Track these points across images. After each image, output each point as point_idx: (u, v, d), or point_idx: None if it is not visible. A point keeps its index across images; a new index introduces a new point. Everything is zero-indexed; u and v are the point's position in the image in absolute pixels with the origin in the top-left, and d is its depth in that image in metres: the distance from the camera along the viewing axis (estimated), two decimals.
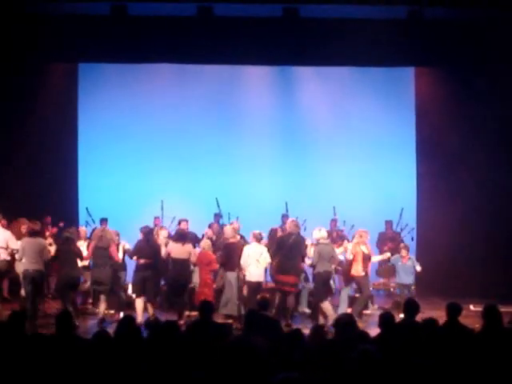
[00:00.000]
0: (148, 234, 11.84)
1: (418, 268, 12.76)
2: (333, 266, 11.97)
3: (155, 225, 14.57)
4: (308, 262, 12.26)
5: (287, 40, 13.52)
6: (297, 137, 16.30)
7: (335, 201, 15.01)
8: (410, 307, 7.83)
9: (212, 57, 13.89)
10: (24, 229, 12.33)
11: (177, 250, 11.82)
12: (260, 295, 8.99)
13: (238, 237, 12.73)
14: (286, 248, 11.85)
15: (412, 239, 14.56)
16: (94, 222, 14.48)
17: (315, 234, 11.98)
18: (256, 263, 11.83)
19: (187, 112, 16.25)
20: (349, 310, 12.05)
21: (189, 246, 12.00)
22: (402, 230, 14.84)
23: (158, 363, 6.10)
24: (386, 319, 7.33)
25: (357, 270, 12.14)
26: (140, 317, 11.33)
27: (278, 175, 16.14)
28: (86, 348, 6.54)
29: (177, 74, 15.99)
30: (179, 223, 13.60)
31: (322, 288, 11.86)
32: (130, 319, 7.30)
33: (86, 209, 14.56)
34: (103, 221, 14.39)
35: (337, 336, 6.85)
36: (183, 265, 11.80)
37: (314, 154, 16.16)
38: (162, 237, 12.75)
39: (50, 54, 13.70)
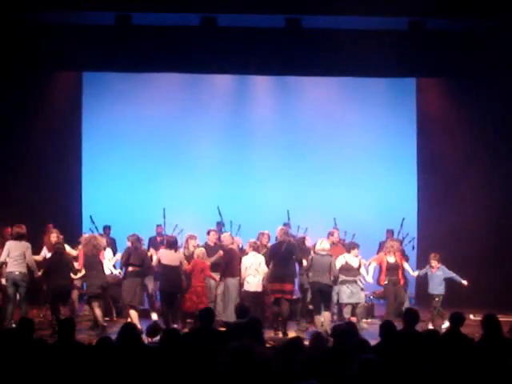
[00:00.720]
0: (136, 241, 11.79)
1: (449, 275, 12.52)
2: (331, 278, 11.92)
3: (157, 233, 14.62)
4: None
5: (290, 50, 13.58)
6: (299, 146, 16.36)
7: (337, 210, 15.05)
8: (410, 316, 7.88)
9: (215, 67, 13.95)
10: (54, 237, 12.40)
11: (168, 257, 11.80)
12: (238, 303, 9.04)
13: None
14: (278, 256, 11.87)
15: (413, 248, 14.60)
16: (97, 229, 14.52)
17: (316, 245, 12.08)
18: (255, 273, 11.92)
19: (190, 121, 16.34)
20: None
21: (180, 254, 11.99)
22: (403, 238, 14.86)
23: (159, 369, 6.16)
24: (386, 328, 7.38)
25: (380, 279, 12.48)
26: (138, 325, 11.32)
27: (280, 184, 16.19)
28: (89, 355, 6.59)
29: (180, 84, 16.08)
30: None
31: (314, 299, 11.99)
32: (130, 326, 7.36)
33: (90, 217, 14.60)
34: (106, 228, 14.51)
35: (337, 344, 6.91)
36: (174, 272, 11.75)
37: (315, 163, 16.21)
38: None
39: (55, 63, 13.77)
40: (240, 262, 12.12)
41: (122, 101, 16.16)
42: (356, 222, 14.76)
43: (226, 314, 11.76)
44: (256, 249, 12.16)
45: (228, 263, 12.10)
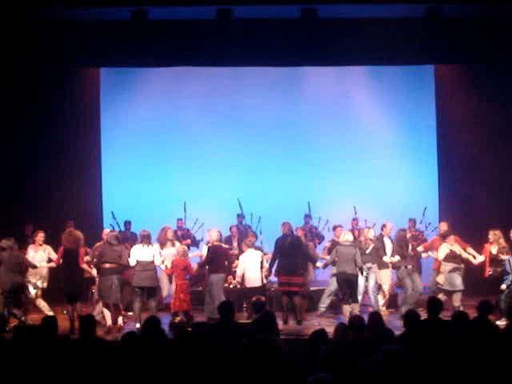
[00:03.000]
0: (111, 238, 11.67)
1: None
2: (356, 269, 11.97)
3: (178, 227, 14.64)
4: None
5: (306, 41, 13.49)
6: (319, 137, 16.29)
7: (357, 200, 15.01)
8: (434, 305, 7.84)
9: (232, 59, 13.92)
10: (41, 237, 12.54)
11: (141, 252, 11.72)
12: (256, 297, 9.04)
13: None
14: (284, 249, 11.97)
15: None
16: (118, 225, 14.59)
17: (340, 237, 12.34)
18: (254, 269, 12.01)
19: (208, 114, 16.33)
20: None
21: (153, 248, 11.88)
22: (426, 227, 14.80)
23: (184, 364, 6.16)
24: (411, 318, 7.34)
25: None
26: (108, 322, 11.27)
27: (300, 175, 16.16)
28: (114, 349, 6.62)
29: (197, 77, 16.02)
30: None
31: (341, 289, 12.05)
32: (154, 321, 7.37)
33: (112, 213, 14.67)
34: (127, 223, 14.56)
35: (364, 334, 6.89)
36: (148, 267, 11.66)
37: (335, 154, 16.16)
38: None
39: (72, 60, 13.76)
40: (226, 258, 12.17)
41: (139, 96, 16.19)
42: (377, 211, 14.69)
43: (210, 309, 11.68)
44: (252, 246, 12.25)
45: (212, 259, 12.01)
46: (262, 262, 12.22)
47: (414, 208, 14.74)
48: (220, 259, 12.01)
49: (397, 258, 12.53)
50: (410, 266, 12.51)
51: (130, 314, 12.14)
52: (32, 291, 12.11)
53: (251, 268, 12.11)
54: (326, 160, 16.21)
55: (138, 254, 11.69)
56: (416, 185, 15.84)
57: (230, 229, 14.35)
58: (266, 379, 5.49)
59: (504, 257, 12.01)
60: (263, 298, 9.28)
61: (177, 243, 12.71)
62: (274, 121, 16.29)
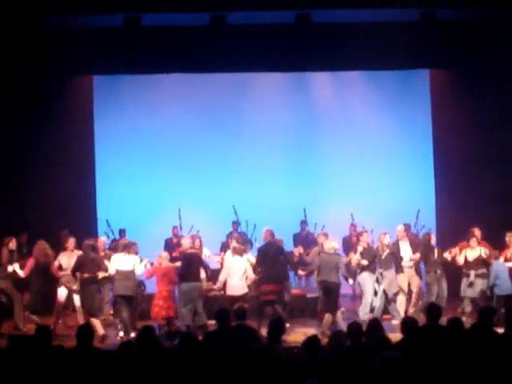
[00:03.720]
0: (88, 249, 11.54)
1: None
2: (340, 277, 11.94)
3: (173, 234, 14.58)
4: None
5: (301, 46, 13.52)
6: (312, 143, 16.27)
7: (353, 206, 14.98)
8: (433, 311, 7.79)
9: (226, 65, 13.92)
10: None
11: (120, 261, 11.64)
12: (237, 305, 8.96)
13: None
14: (269, 258, 11.81)
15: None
16: (113, 233, 14.52)
17: (324, 244, 12.16)
18: (238, 277, 11.77)
19: (202, 121, 16.29)
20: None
21: (133, 257, 11.73)
22: (418, 231, 14.75)
23: (178, 372, 6.12)
24: (408, 324, 7.29)
25: None
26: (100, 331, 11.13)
27: (295, 182, 16.14)
28: (111, 359, 6.56)
29: (191, 84, 16.00)
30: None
31: (322, 298, 11.99)
32: (149, 329, 7.31)
33: (107, 221, 14.60)
34: (122, 232, 14.49)
35: (357, 342, 6.84)
36: (127, 275, 11.56)
37: (329, 159, 16.13)
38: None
39: (65, 66, 13.77)
40: (202, 266, 12.00)
41: (133, 103, 16.14)
42: (373, 217, 14.65)
43: (181, 316, 11.52)
44: (240, 254, 12.00)
45: (185, 268, 11.77)
46: (246, 270, 11.95)
47: (410, 212, 14.69)
48: (193, 267, 11.73)
49: (417, 255, 12.50)
50: (438, 271, 12.46)
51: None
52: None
53: (234, 275, 11.84)
54: (322, 165, 16.18)
55: (119, 263, 11.61)
56: (412, 189, 15.82)
57: (229, 235, 14.25)
58: None
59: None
60: (246, 306, 9.22)
61: (162, 252, 12.41)
62: (269, 127, 16.25)
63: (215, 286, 12.23)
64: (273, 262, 11.81)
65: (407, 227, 14.45)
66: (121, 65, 13.97)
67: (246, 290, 11.87)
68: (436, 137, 15.95)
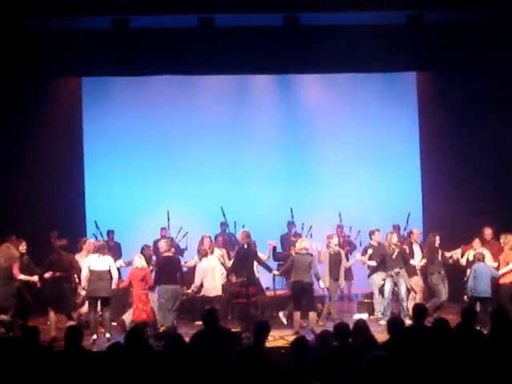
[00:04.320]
0: (60, 248, 11.61)
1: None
2: (312, 277, 12.02)
3: (162, 236, 14.59)
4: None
5: (288, 48, 13.54)
6: (300, 144, 16.33)
7: (341, 207, 15.02)
8: (419, 312, 7.85)
9: (214, 67, 13.91)
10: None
11: (96, 262, 11.64)
12: (209, 306, 8.98)
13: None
14: (248, 259, 11.83)
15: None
16: (101, 235, 14.51)
17: (296, 245, 12.22)
18: (212, 277, 11.86)
19: (191, 122, 16.32)
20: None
21: (108, 258, 11.75)
22: (408, 234, 14.81)
23: (166, 373, 6.14)
24: (394, 325, 7.33)
25: None
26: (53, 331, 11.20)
27: (283, 182, 16.18)
28: (98, 360, 6.57)
29: (180, 86, 16.03)
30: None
31: (294, 297, 12.02)
32: (137, 330, 7.34)
33: (95, 222, 14.57)
34: (110, 233, 14.49)
35: (344, 342, 6.88)
36: (102, 276, 11.56)
37: (317, 160, 16.18)
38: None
39: (54, 68, 13.73)
40: (178, 270, 11.90)
41: (122, 105, 16.14)
42: (361, 218, 14.71)
43: (158, 319, 11.53)
44: (212, 252, 12.12)
45: (161, 271, 11.73)
46: (220, 269, 12.03)
47: (398, 214, 14.77)
48: (169, 270, 11.65)
49: (423, 261, 12.57)
50: (442, 272, 12.56)
51: (114, 324, 12.07)
52: None
53: (210, 277, 11.90)
54: (309, 166, 16.23)
55: (93, 263, 11.59)
56: (400, 191, 15.89)
57: (216, 238, 14.28)
58: None
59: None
60: (217, 307, 9.24)
61: (137, 256, 12.36)
62: (257, 128, 16.30)
63: (190, 290, 12.23)
64: (250, 264, 11.84)
65: (396, 228, 14.55)
66: (109, 67, 13.94)
67: (220, 292, 11.96)
68: (423, 138, 16.04)
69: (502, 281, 11.94)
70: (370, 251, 12.97)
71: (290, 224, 14.77)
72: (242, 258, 11.79)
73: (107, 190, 15.96)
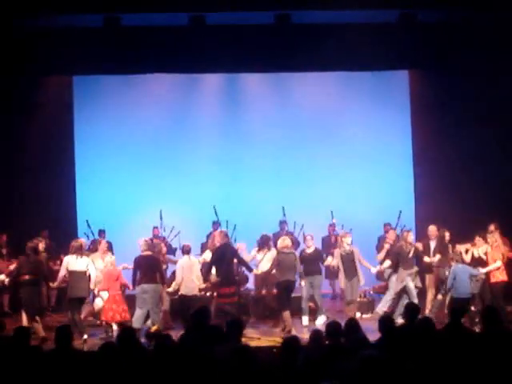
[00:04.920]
0: (29, 250, 11.47)
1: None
2: (296, 276, 12.06)
3: (154, 235, 14.57)
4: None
5: (280, 47, 13.52)
6: (292, 143, 16.28)
7: (333, 205, 15.01)
8: (411, 311, 7.85)
9: (206, 66, 13.90)
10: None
11: (74, 263, 11.57)
12: (200, 305, 8.96)
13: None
14: (225, 260, 11.75)
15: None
16: (93, 234, 14.48)
17: (278, 244, 12.16)
18: (190, 276, 11.79)
19: (183, 121, 16.29)
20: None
21: (86, 259, 11.71)
22: (401, 231, 14.82)
23: (157, 373, 6.13)
24: (385, 323, 7.33)
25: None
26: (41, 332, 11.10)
27: (275, 182, 16.16)
28: (89, 360, 6.55)
29: (172, 84, 16.03)
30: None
31: (282, 297, 11.98)
32: (129, 331, 7.32)
33: (87, 221, 14.55)
34: (101, 232, 14.45)
35: (336, 341, 6.87)
36: (81, 277, 11.51)
37: (310, 159, 16.16)
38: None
39: (44, 67, 13.69)
40: (157, 269, 11.76)
41: (114, 103, 16.12)
42: (352, 216, 14.71)
43: (134, 319, 11.43)
44: (188, 253, 12.04)
45: (140, 271, 11.59)
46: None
47: (390, 212, 14.77)
48: (149, 270, 11.57)
49: (437, 257, 12.54)
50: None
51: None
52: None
53: (187, 275, 11.84)
54: (301, 165, 16.20)
55: (72, 264, 11.55)
56: (392, 189, 15.89)
57: (209, 235, 14.25)
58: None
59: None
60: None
61: (108, 255, 12.27)
62: (249, 127, 16.28)
63: (170, 288, 12.12)
64: (228, 264, 11.79)
65: (388, 226, 14.56)
66: (100, 65, 13.90)
67: (197, 291, 11.93)
68: (415, 137, 16.05)
69: (493, 279, 11.94)
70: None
71: (282, 223, 14.77)
72: (219, 258, 11.76)
73: (99, 190, 15.93)
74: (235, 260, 11.90)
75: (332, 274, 14.06)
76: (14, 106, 14.51)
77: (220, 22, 13.26)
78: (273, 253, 12.59)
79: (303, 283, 12.44)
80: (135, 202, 15.92)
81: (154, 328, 11.31)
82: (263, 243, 12.87)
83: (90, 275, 11.61)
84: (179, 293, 12.00)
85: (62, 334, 7.11)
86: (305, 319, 12.56)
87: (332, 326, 7.15)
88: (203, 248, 14.01)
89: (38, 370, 6.51)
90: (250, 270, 12.44)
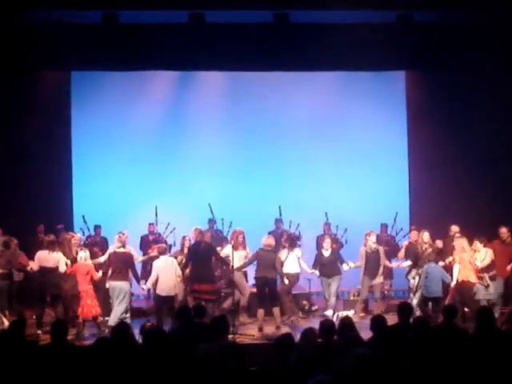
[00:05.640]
0: (2, 244, 11.61)
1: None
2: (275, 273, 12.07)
3: (149, 231, 14.60)
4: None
5: (278, 46, 13.57)
6: (289, 142, 16.27)
7: (329, 205, 15.03)
8: (404, 310, 7.89)
9: (204, 63, 13.94)
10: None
11: (45, 258, 11.60)
12: (195, 302, 8.98)
13: None
14: (198, 256, 11.87)
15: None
16: (89, 229, 14.48)
17: (262, 241, 12.22)
18: (167, 277, 11.67)
19: (180, 118, 16.30)
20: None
21: (58, 254, 11.70)
22: (396, 233, 14.87)
23: (149, 368, 6.16)
24: (377, 322, 7.37)
25: None
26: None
27: (271, 180, 16.16)
28: (86, 354, 6.57)
29: (169, 81, 16.02)
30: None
31: (259, 293, 12.04)
32: (124, 326, 7.35)
33: (83, 217, 14.53)
34: (97, 228, 14.45)
35: (329, 339, 6.90)
36: (51, 273, 11.54)
37: (306, 158, 16.15)
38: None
39: (42, 62, 13.72)
40: (130, 266, 11.81)
41: (111, 99, 16.08)
42: (348, 216, 14.75)
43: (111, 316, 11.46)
44: (164, 253, 11.96)
45: (111, 266, 11.66)
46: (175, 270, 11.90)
47: (384, 213, 14.83)
48: (120, 267, 11.59)
49: (451, 258, 12.51)
50: None
51: (107, 318, 12.05)
52: None
53: (165, 276, 11.69)
54: (297, 164, 16.19)
55: (43, 260, 11.57)
56: (387, 189, 15.91)
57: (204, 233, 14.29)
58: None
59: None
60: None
61: (82, 251, 12.06)
62: (246, 126, 16.26)
63: (145, 286, 12.07)
64: (203, 261, 11.85)
65: (384, 227, 14.60)
66: (99, 61, 13.93)
67: (175, 291, 11.84)
68: (411, 137, 16.06)
69: (460, 279, 12.02)
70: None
71: (278, 221, 14.80)
72: (197, 255, 11.85)
73: (95, 185, 15.91)
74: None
75: None
76: (11, 100, 14.48)
77: (219, 20, 13.29)
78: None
79: (286, 281, 12.43)
80: (131, 198, 15.89)
81: (148, 324, 11.32)
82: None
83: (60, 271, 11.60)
84: (156, 292, 11.85)
85: (56, 329, 7.15)
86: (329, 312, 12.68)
87: (325, 323, 7.19)
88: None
89: (33, 364, 6.54)
90: (228, 265, 12.44)
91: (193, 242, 12.47)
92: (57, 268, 11.55)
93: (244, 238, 12.84)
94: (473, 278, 11.92)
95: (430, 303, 11.87)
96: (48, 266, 11.53)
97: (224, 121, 16.31)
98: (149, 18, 13.23)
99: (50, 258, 11.56)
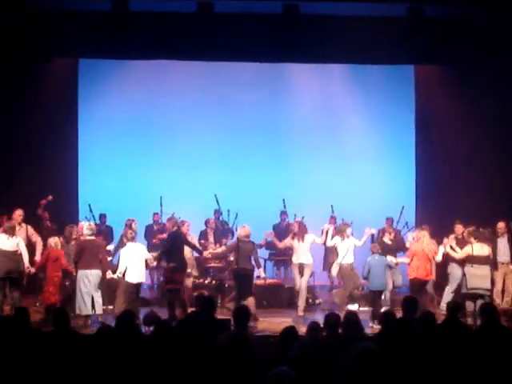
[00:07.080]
0: None
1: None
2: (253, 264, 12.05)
3: (154, 221, 14.59)
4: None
5: (287, 37, 13.49)
6: (296, 134, 16.27)
7: (334, 198, 15.01)
8: (410, 305, 7.86)
9: (212, 53, 13.87)
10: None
11: (3, 242, 11.56)
12: (197, 292, 8.95)
13: None
14: (175, 247, 11.87)
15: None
16: (94, 218, 14.46)
17: (239, 231, 12.21)
18: (137, 263, 11.62)
19: (187, 108, 16.26)
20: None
21: (17, 238, 11.68)
22: (403, 227, 14.82)
23: (154, 359, 6.14)
24: (386, 317, 7.35)
25: None
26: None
27: (277, 172, 16.18)
28: (88, 342, 6.57)
29: (176, 71, 15.95)
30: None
31: (238, 284, 11.98)
32: (128, 314, 7.34)
33: (89, 205, 14.50)
34: (102, 217, 14.46)
35: (333, 333, 6.88)
36: (10, 256, 11.52)
37: (313, 151, 16.16)
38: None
39: (51, 49, 13.67)
40: (100, 253, 11.73)
41: (118, 88, 16.06)
42: (354, 209, 14.68)
43: (78, 305, 11.37)
44: (132, 239, 11.85)
45: (80, 255, 11.52)
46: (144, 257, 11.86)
47: (391, 207, 14.76)
48: (88, 254, 11.46)
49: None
50: None
51: (110, 307, 12.03)
52: None
53: (134, 262, 11.61)
54: (304, 157, 16.21)
55: (0, 244, 11.54)
56: (393, 184, 15.88)
57: (207, 222, 14.26)
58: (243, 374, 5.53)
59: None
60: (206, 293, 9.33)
61: (52, 238, 11.93)
62: (253, 117, 16.26)
63: (115, 275, 11.80)
64: (178, 252, 11.85)
65: (390, 221, 14.54)
66: (107, 49, 13.89)
67: (143, 279, 11.82)
68: (419, 133, 16.02)
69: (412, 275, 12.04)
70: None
71: (283, 214, 14.81)
72: (173, 246, 11.86)
73: (101, 174, 15.92)
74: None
75: (331, 265, 14.04)
76: (18, 87, 14.44)
77: (228, 10, 13.23)
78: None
79: (262, 274, 12.44)
80: (136, 188, 15.91)
81: (151, 312, 11.31)
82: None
83: (21, 254, 11.62)
84: (125, 280, 11.65)
85: (58, 316, 7.15)
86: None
87: (331, 317, 7.16)
88: (201, 235, 14.04)
89: (37, 351, 6.54)
90: (201, 253, 12.52)
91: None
92: (15, 252, 11.55)
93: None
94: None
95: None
96: (6, 250, 11.51)
97: (232, 111, 16.28)
98: (158, 7, 13.18)
99: (8, 242, 11.55)
